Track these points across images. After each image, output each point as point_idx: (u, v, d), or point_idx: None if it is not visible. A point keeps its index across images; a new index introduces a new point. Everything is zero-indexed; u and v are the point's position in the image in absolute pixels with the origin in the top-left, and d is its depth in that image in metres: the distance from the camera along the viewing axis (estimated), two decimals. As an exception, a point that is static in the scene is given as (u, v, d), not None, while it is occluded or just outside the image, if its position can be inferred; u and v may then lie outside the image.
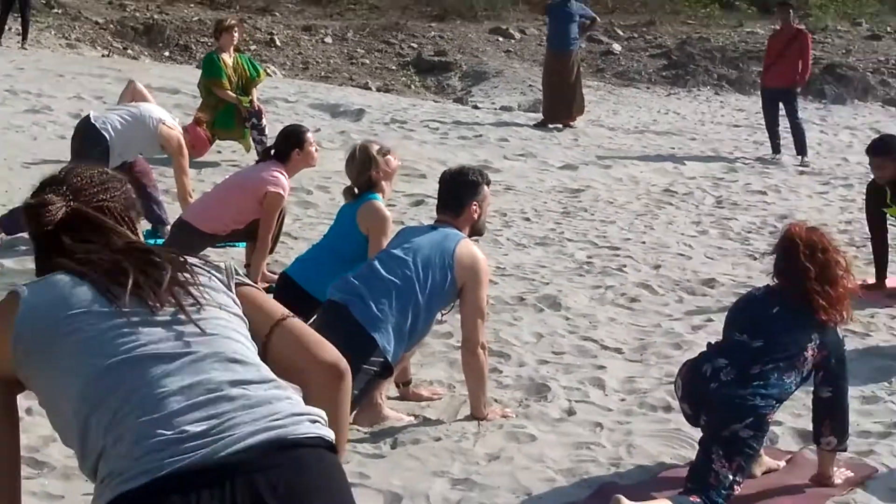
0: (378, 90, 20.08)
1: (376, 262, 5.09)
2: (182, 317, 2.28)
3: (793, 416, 5.21)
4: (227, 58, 11.07)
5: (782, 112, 13.92)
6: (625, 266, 8.31)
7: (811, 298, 4.37)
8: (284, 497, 2.08)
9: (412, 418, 5.20)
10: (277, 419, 2.17)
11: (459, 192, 5.33)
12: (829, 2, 25.48)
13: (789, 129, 13.90)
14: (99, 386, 2.16)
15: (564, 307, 7.16)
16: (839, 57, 23.27)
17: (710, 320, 6.89)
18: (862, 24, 25.13)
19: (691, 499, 4.13)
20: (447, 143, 13.57)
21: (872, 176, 8.04)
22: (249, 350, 2.33)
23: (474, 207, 5.30)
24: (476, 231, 5.38)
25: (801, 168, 13.37)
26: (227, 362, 2.25)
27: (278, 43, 22.52)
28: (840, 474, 4.64)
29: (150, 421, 2.11)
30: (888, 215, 7.99)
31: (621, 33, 24.66)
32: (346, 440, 2.45)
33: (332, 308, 5.02)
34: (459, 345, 5.43)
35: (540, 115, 16.12)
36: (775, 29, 14.72)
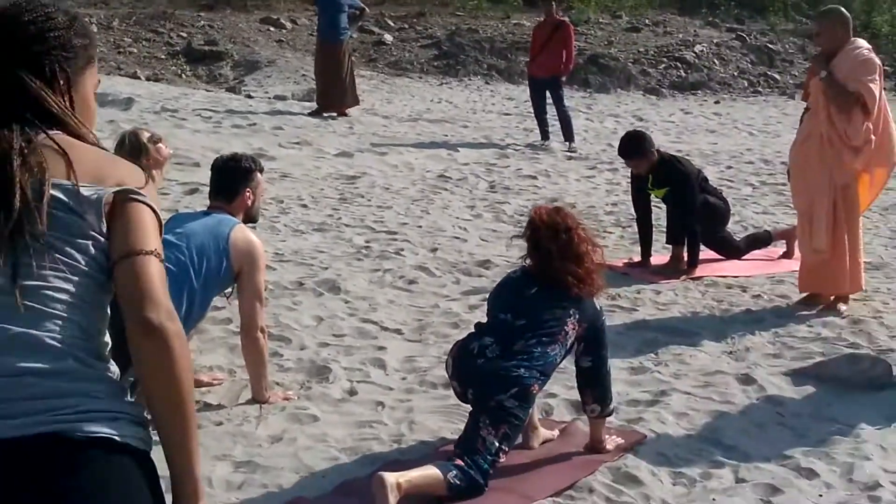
0: (147, 79, 19.62)
1: None
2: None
3: (566, 387, 5.37)
4: None
5: (550, 100, 14.31)
6: (402, 250, 8.40)
7: (560, 277, 4.54)
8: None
9: (192, 404, 5.12)
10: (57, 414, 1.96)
11: (232, 179, 5.28)
12: (591, -5, 26.33)
13: (557, 117, 14.30)
14: None
15: (344, 291, 7.19)
16: (602, 48, 24.08)
17: (485, 300, 7.01)
18: (622, 16, 26.05)
19: (456, 462, 4.23)
20: (220, 132, 13.38)
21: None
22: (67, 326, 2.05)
23: (248, 194, 5.27)
24: (250, 218, 5.34)
25: (569, 153, 13.79)
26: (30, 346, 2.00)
27: (40, 31, 21.70)
28: (611, 441, 4.81)
29: None
30: (652, 196, 8.33)
31: (392, 24, 24.82)
32: (184, 424, 2.09)
33: None
34: (239, 330, 5.37)
35: (314, 104, 16.09)
36: (540, 20, 15.11)
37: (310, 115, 15.45)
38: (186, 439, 2.06)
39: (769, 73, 24.44)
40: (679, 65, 23.80)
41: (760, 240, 8.72)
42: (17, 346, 1.98)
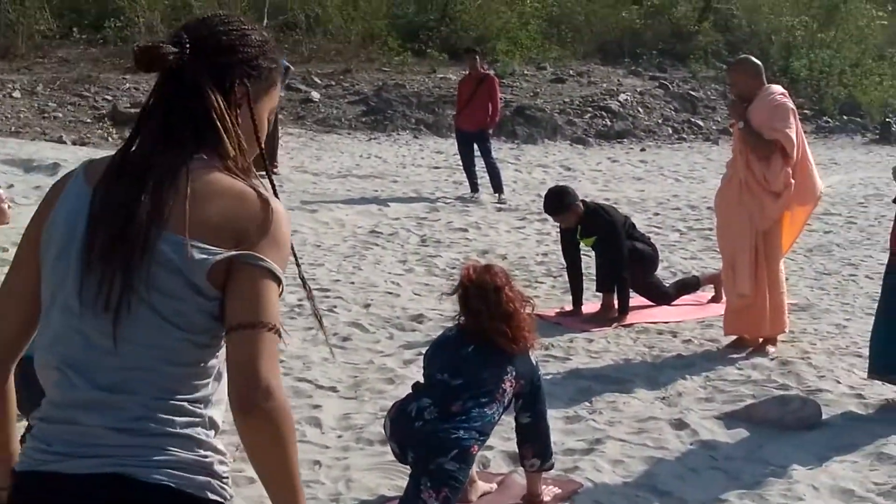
0: (73, 143, 19.47)
1: None
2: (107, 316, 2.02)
3: (502, 439, 5.40)
4: None
5: (478, 153, 14.43)
6: (335, 307, 8.41)
7: (493, 336, 4.56)
8: None
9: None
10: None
11: None
12: (515, 48, 26.60)
13: (485, 169, 14.42)
14: None
15: (278, 350, 7.16)
16: (528, 99, 24.35)
17: (420, 354, 7.03)
18: (547, 67, 26.38)
19: None
20: (149, 195, 13.27)
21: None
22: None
23: None
24: None
25: (498, 205, 13.90)
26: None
27: (-38, 98, 21.51)
28: (548, 491, 4.84)
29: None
30: (581, 245, 8.42)
31: (319, 81, 24.90)
32: (285, 495, 2.11)
33: None
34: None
35: (243, 164, 16.02)
36: (465, 74, 15.27)
37: (239, 174, 15.37)
38: None
39: (692, 119, 24.88)
40: (604, 114, 24.15)
41: (689, 285, 8.84)
42: (101, 400, 2.03)
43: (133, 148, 2.15)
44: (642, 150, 22.14)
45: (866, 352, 6.52)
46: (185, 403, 2.08)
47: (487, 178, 14.44)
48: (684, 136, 24.05)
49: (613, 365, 7.07)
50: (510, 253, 10.80)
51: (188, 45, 2.12)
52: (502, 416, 4.64)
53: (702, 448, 5.54)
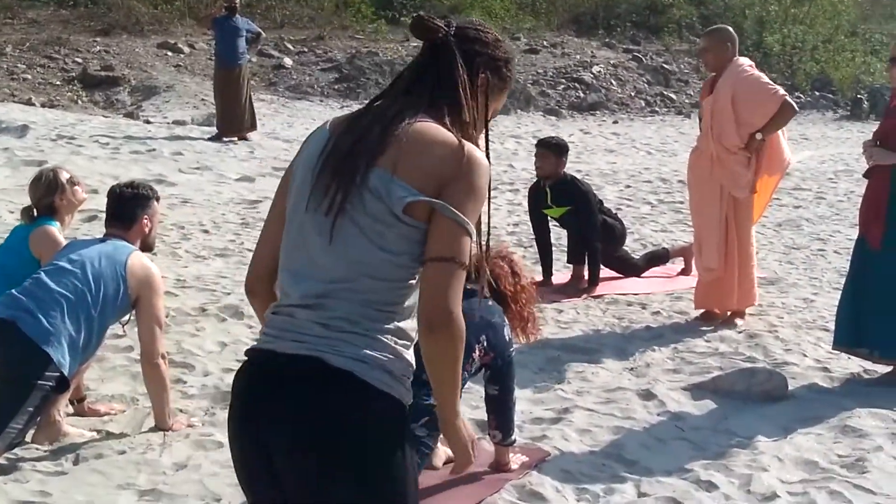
0: (43, 106, 19.29)
1: (44, 276, 4.90)
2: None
3: (471, 407, 5.42)
4: None
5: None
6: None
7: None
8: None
9: (94, 433, 5.06)
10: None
11: (130, 207, 5.24)
12: (489, 17, 26.51)
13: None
14: None
15: (247, 315, 7.14)
16: (499, 70, 24.27)
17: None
18: (520, 38, 26.32)
19: None
20: (119, 158, 13.22)
21: (535, 179, 8.47)
22: None
23: (145, 221, 5.23)
24: (146, 246, 5.28)
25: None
26: None
27: (-70, 58, 21.26)
28: (516, 459, 4.86)
29: None
30: (549, 217, 8.43)
31: (292, 48, 24.77)
32: (449, 402, 2.52)
33: None
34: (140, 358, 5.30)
35: (214, 129, 15.99)
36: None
37: (210, 139, 15.34)
38: (448, 403, 2.54)
39: (665, 92, 24.92)
40: (577, 85, 24.14)
41: (658, 257, 8.87)
42: (312, 302, 2.48)
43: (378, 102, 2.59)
44: (615, 122, 22.17)
45: (833, 326, 6.57)
46: (378, 312, 2.47)
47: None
48: (657, 109, 24.09)
49: (583, 335, 7.10)
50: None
51: (454, 28, 2.61)
52: (469, 384, 4.65)
53: (669, 418, 5.58)
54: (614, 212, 9.04)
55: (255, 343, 2.59)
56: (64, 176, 5.63)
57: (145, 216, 5.23)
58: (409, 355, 2.53)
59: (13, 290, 4.89)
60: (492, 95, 2.68)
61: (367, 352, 2.44)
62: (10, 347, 4.66)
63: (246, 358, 2.59)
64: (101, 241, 5.16)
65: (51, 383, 4.67)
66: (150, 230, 5.27)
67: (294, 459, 2.43)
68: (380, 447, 2.44)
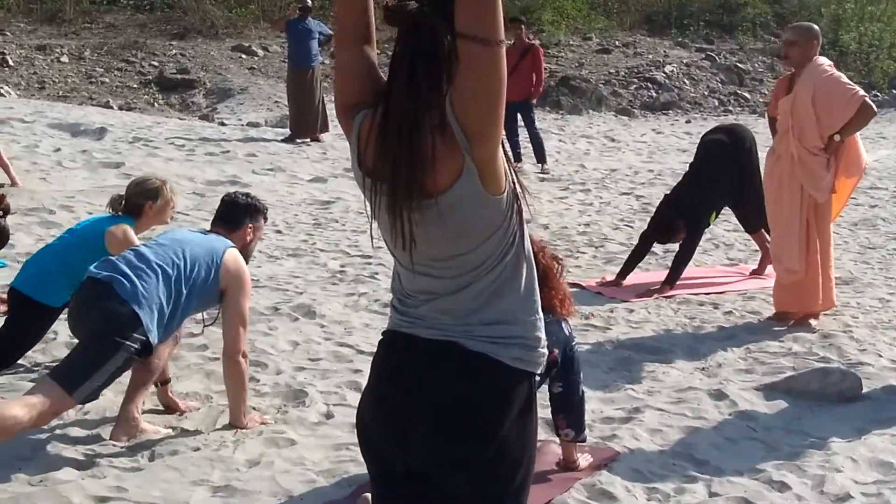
0: (120, 108, 19.62)
1: (144, 248, 5.04)
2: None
3: (541, 407, 5.41)
4: None
5: (521, 123, 14.40)
6: (377, 273, 8.44)
7: None
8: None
9: (170, 430, 5.15)
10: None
11: (239, 212, 5.39)
12: (561, 18, 26.45)
13: (529, 139, 14.39)
14: None
15: (319, 315, 7.22)
16: (573, 70, 24.23)
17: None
18: (592, 38, 26.23)
19: None
20: (194, 160, 13.40)
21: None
22: None
23: (249, 230, 5.36)
24: (244, 254, 5.38)
25: (541, 175, 13.88)
26: None
27: (11, 63, 21.68)
28: (585, 459, 4.86)
29: None
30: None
31: (364, 49, 24.90)
32: None
33: (92, 284, 4.91)
34: (215, 357, 5.40)
35: (287, 131, 16.14)
36: (509, 44, 15.20)
37: (283, 141, 15.50)
38: None
39: (739, 91, 24.67)
40: (650, 85, 24.00)
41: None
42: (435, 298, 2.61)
43: (389, 97, 2.50)
44: (687, 121, 22.00)
45: (909, 326, 6.48)
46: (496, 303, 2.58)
47: (531, 148, 14.42)
48: (730, 108, 23.86)
49: (654, 335, 7.07)
50: (552, 223, 10.79)
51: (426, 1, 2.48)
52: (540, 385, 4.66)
53: (740, 418, 5.54)
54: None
55: (390, 326, 2.72)
56: (168, 191, 5.83)
57: (250, 225, 5.36)
58: (542, 331, 2.65)
59: (111, 256, 5.05)
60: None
61: (495, 335, 2.57)
62: (103, 305, 4.77)
63: (385, 338, 2.72)
64: (204, 232, 5.29)
65: (136, 346, 4.76)
66: (251, 240, 5.41)
67: (429, 428, 2.58)
68: (508, 419, 2.58)
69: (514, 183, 2.62)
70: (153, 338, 4.83)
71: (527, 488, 2.72)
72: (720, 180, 8.38)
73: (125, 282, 4.83)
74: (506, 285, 2.57)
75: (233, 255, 5.14)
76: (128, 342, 4.73)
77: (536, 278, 2.67)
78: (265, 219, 5.55)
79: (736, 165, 8.29)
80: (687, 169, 8.78)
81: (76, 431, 5.04)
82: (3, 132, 13.78)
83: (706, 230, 8.73)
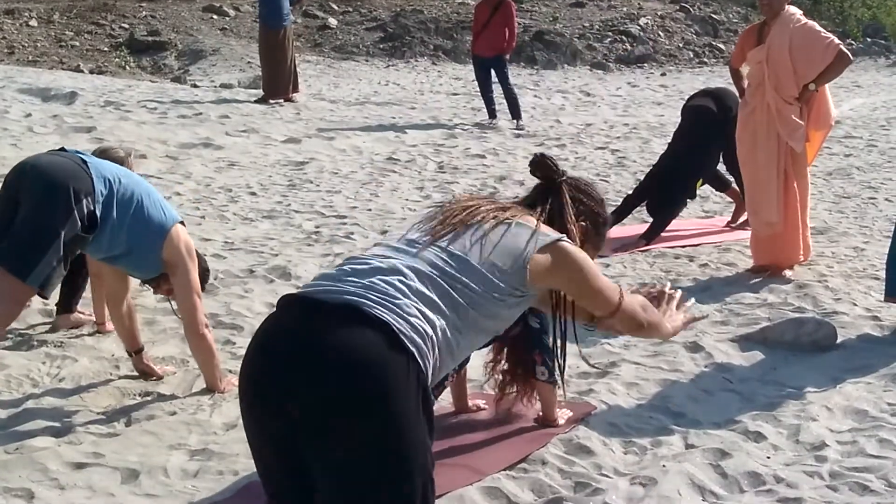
0: (91, 72, 19.45)
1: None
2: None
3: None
4: None
5: (495, 79, 14.35)
6: (352, 233, 8.42)
7: None
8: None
9: (146, 396, 5.13)
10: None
11: None
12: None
13: (503, 95, 14.35)
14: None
15: (294, 276, 7.20)
16: (547, 24, 24.15)
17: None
18: (566, -8, 26.14)
19: None
20: (167, 123, 13.31)
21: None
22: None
23: None
24: None
25: (516, 131, 13.84)
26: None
27: (-21, 28, 21.46)
28: (562, 414, 4.87)
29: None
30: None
31: (336, 7, 24.74)
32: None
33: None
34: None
35: (260, 92, 16.03)
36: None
37: (256, 102, 15.40)
38: None
39: (714, 43, 24.64)
40: (624, 38, 23.94)
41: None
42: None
43: None
44: (663, 74, 21.97)
45: (884, 274, 6.50)
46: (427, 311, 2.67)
47: (505, 104, 14.37)
48: (705, 59, 23.83)
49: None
50: (527, 178, 10.76)
51: (568, 176, 3.18)
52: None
53: (716, 370, 5.56)
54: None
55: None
56: (131, 163, 5.74)
57: None
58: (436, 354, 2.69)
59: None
60: (587, 244, 3.11)
61: (404, 318, 2.62)
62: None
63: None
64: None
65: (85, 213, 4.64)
66: None
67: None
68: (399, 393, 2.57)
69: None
70: (98, 210, 4.67)
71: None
72: (708, 149, 8.36)
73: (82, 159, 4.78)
74: (448, 318, 2.69)
75: (178, 229, 5.01)
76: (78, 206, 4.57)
77: (467, 349, 2.85)
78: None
79: (723, 134, 8.17)
80: (672, 137, 8.75)
81: (51, 400, 5.02)
82: (-28, 98, 13.64)
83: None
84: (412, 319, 2.61)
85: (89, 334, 5.93)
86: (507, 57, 14.59)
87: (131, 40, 21.86)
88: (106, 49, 21.60)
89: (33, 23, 22.30)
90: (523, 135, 13.63)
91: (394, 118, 14.84)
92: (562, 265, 2.90)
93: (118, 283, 5.21)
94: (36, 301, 6.18)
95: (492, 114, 14.52)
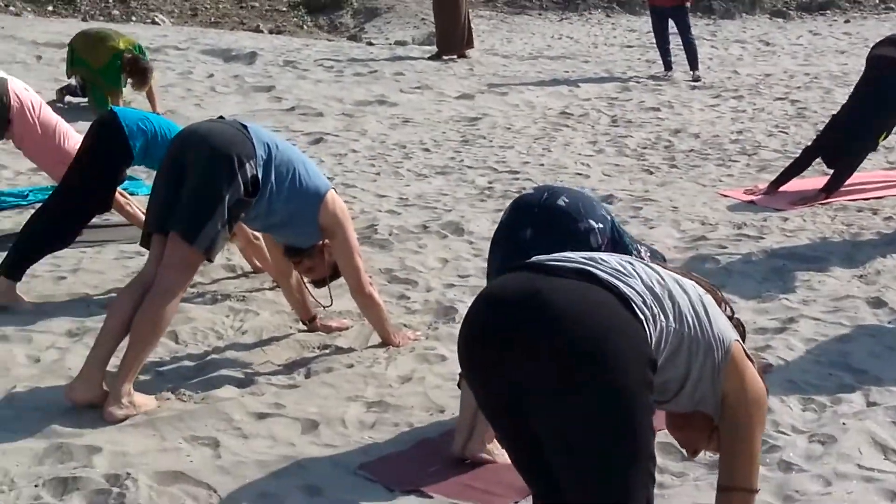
0: (270, 32, 19.89)
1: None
2: None
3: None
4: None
5: (672, 30, 14.10)
6: (524, 189, 8.41)
7: None
8: None
9: (325, 349, 5.25)
10: None
11: None
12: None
13: (681, 46, 14.09)
14: None
15: (468, 232, 7.25)
16: (725, -28, 23.54)
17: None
18: (745, -62, 25.41)
19: None
20: (342, 81, 13.53)
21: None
22: None
23: None
24: None
25: (692, 83, 13.59)
26: None
27: (164, -9, 22.16)
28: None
29: None
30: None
31: (510, -39, 24.65)
32: None
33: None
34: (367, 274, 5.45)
35: (434, 48, 16.12)
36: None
37: (430, 59, 15.50)
38: None
39: (901, -13, 23.65)
40: (806, -16, 23.18)
41: None
42: None
43: None
44: (846, 21, 21.21)
45: None
46: None
47: (682, 55, 14.11)
48: (891, 4, 22.89)
49: (809, 243, 6.89)
50: (703, 131, 10.57)
51: None
52: None
53: (900, 327, 5.39)
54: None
55: None
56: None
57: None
58: None
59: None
60: None
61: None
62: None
63: None
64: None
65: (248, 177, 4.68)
66: None
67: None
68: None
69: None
70: (260, 174, 4.70)
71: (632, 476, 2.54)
72: (890, 99, 8.00)
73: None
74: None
75: (332, 195, 5.04)
76: (241, 171, 4.63)
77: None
78: None
79: None
80: (854, 86, 8.40)
81: (234, 353, 5.19)
82: (158, 60, 14.10)
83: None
84: (642, 294, 2.62)
85: (270, 289, 6.09)
86: (688, 6, 14.30)
87: (309, 0, 22.24)
88: (284, 9, 22.04)
89: (214, -15, 22.88)
90: (699, 86, 13.37)
91: (567, 72, 14.74)
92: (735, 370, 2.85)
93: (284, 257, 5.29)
94: (219, 256, 6.39)
95: (667, 66, 14.29)
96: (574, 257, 2.73)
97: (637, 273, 2.71)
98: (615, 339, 2.50)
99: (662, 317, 2.64)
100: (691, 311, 2.73)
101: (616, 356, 2.47)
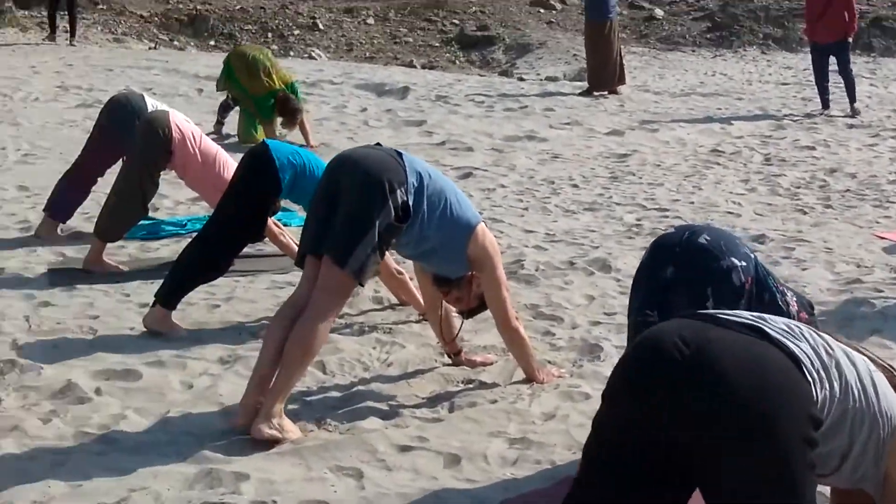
0: (423, 67, 20.14)
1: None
2: None
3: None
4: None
5: (832, 67, 13.84)
6: (673, 226, 8.32)
7: None
8: None
9: (468, 384, 5.27)
10: None
11: None
12: (874, -46, 25.11)
13: (838, 84, 13.82)
14: None
15: (615, 269, 7.20)
16: (885, 10, 23.01)
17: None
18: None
19: None
20: (493, 116, 13.62)
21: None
22: None
23: None
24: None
25: (850, 121, 13.29)
26: None
27: (321, 26, 22.66)
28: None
29: None
30: None
31: (664, -2, 24.51)
32: None
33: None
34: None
35: (585, 84, 16.12)
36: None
37: (581, 94, 15.50)
38: None
39: None
40: (972, 22, 22.48)
41: None
42: None
43: None
44: None
45: None
46: None
47: (839, 93, 13.83)
48: None
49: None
50: (860, 171, 10.33)
51: None
52: None
53: None
54: None
55: None
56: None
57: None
58: None
59: None
60: None
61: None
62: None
63: None
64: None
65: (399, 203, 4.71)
66: None
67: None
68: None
69: None
70: (411, 201, 4.74)
71: None
72: None
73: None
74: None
75: (482, 227, 5.05)
76: (392, 196, 4.66)
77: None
78: None
79: None
80: None
81: (379, 385, 5.24)
82: (313, 94, 14.43)
83: None
84: (811, 358, 2.57)
85: (416, 321, 6.15)
86: (850, 41, 14.02)
87: (461, 35, 22.48)
88: (437, 45, 22.32)
89: (370, 21, 23.33)
90: (856, 125, 13.07)
91: (719, 109, 14.56)
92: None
93: (434, 287, 5.34)
94: (367, 288, 6.48)
95: (825, 104, 14.01)
96: (744, 314, 2.68)
97: (805, 337, 2.65)
98: (787, 398, 2.45)
99: (828, 384, 2.57)
100: (858, 384, 2.64)
101: (788, 417, 2.43)
